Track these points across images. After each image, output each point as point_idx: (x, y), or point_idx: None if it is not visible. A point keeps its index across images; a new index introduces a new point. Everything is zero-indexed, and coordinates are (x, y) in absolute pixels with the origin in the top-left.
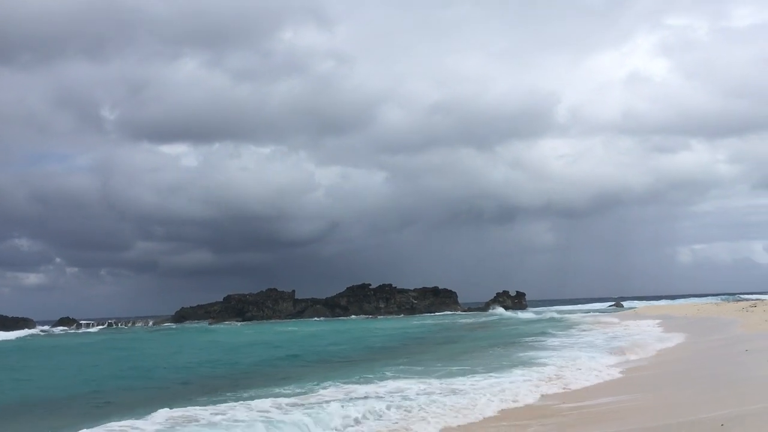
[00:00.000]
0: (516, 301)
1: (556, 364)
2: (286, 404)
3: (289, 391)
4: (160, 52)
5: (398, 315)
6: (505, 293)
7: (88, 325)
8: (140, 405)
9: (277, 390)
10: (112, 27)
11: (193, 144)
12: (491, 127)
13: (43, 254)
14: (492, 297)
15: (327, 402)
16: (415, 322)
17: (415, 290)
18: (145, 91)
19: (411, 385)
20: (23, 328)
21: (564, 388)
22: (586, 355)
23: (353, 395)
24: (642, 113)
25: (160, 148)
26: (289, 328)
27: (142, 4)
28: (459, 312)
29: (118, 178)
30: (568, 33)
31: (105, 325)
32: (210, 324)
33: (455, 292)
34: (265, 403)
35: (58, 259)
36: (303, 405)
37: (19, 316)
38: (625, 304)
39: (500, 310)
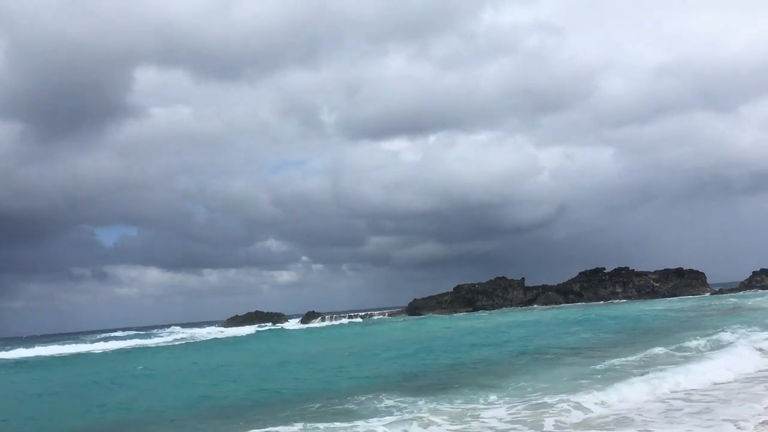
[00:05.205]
0: None
1: None
2: None
3: None
4: (368, 51)
5: (638, 299)
6: (764, 272)
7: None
8: None
9: None
10: (322, 33)
11: (410, 138)
12: (733, 85)
13: (290, 254)
14: (747, 277)
15: None
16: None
17: (656, 272)
18: (359, 92)
19: None
20: (277, 323)
21: None
22: None
23: None
24: None
25: (380, 145)
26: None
27: (347, 6)
28: (707, 294)
29: (346, 177)
30: None
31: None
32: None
33: (703, 273)
34: None
35: (304, 258)
36: None
37: (273, 311)
38: None
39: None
